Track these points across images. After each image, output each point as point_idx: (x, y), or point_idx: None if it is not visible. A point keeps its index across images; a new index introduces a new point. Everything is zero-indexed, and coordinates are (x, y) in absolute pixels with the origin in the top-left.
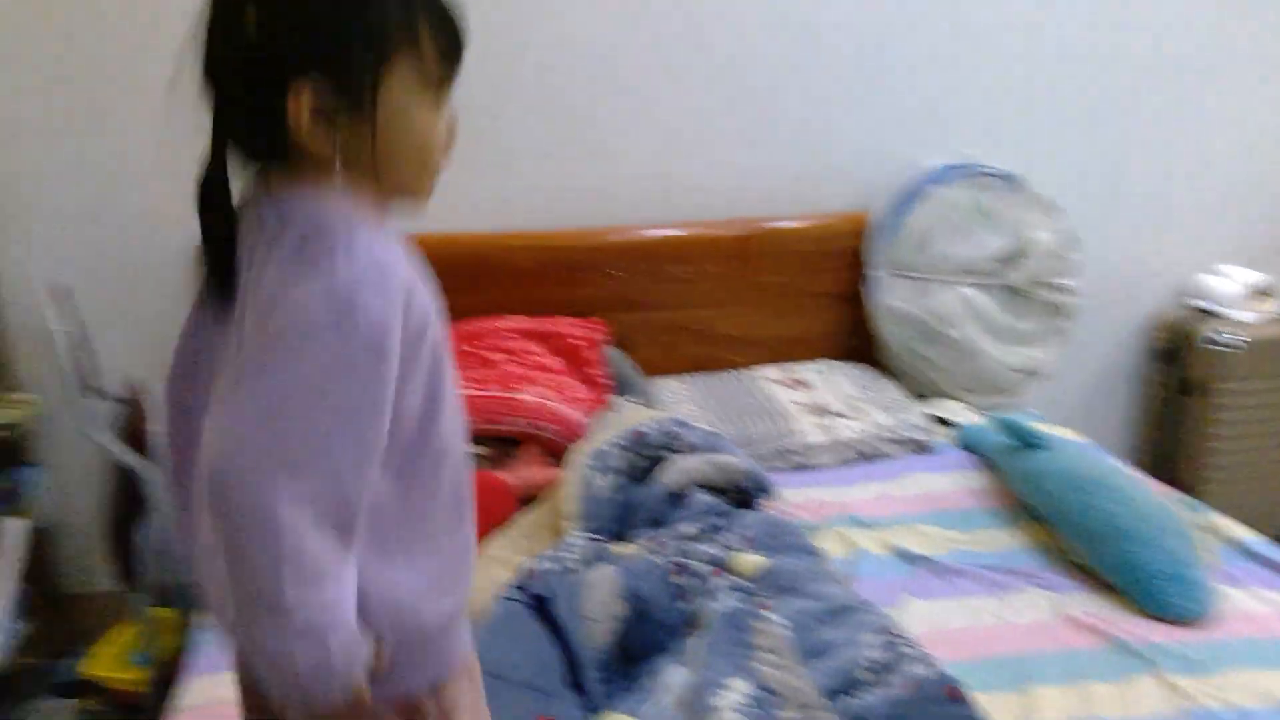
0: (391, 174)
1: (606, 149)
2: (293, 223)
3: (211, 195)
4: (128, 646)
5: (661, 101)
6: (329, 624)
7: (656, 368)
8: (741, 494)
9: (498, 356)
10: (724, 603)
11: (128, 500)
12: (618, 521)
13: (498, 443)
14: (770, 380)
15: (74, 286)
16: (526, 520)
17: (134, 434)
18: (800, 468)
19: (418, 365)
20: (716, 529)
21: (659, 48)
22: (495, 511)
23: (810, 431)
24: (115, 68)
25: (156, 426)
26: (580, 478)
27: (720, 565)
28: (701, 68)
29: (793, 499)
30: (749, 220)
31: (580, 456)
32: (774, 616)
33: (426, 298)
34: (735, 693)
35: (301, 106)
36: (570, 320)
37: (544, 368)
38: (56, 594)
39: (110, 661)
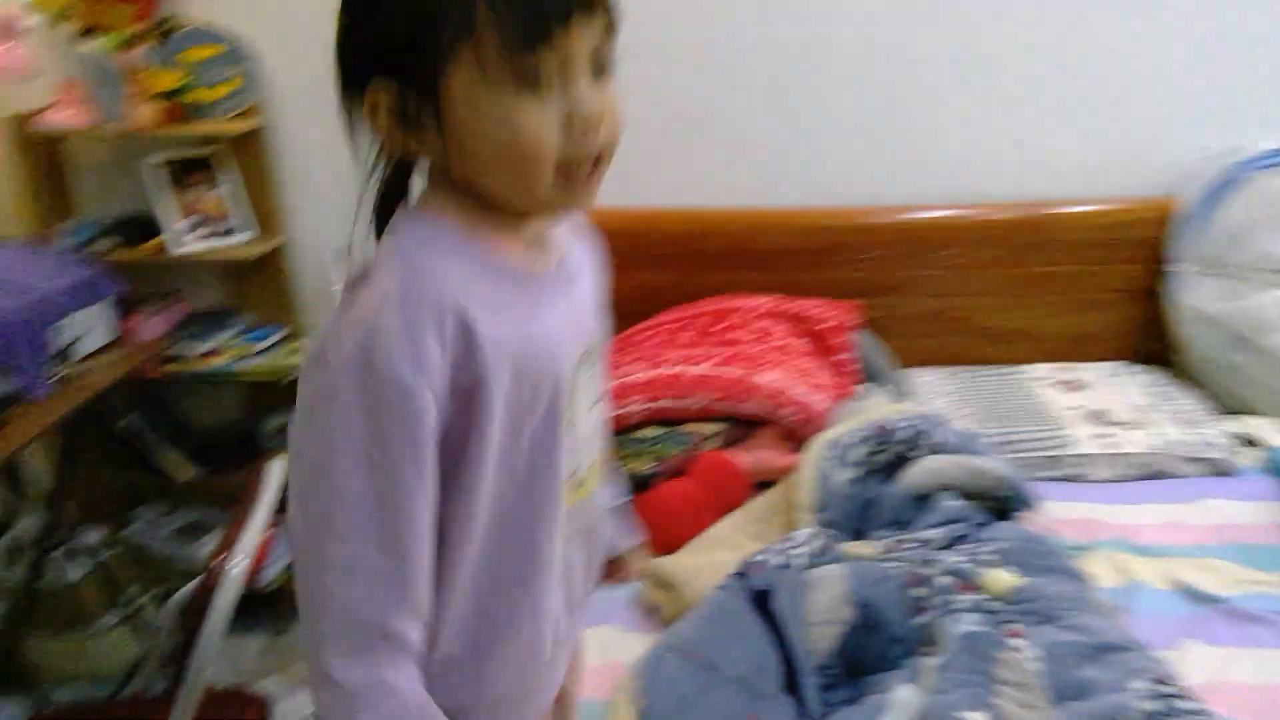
0: (486, 180)
1: (871, 123)
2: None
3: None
4: None
5: (935, 73)
6: (365, 705)
7: (913, 358)
8: (997, 503)
9: (741, 336)
10: (965, 623)
11: None
12: (855, 518)
13: (736, 424)
14: (1042, 381)
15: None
16: (758, 505)
17: None
18: (1070, 480)
19: (468, 403)
20: (964, 538)
21: (931, 14)
22: (727, 494)
23: (1085, 441)
24: None
25: None
26: (817, 468)
27: (966, 580)
28: (980, 35)
29: (1058, 514)
30: (1030, 203)
31: (818, 445)
32: (1023, 645)
33: (485, 333)
34: None
35: (379, 110)
36: (821, 303)
37: (788, 350)
38: None
39: None
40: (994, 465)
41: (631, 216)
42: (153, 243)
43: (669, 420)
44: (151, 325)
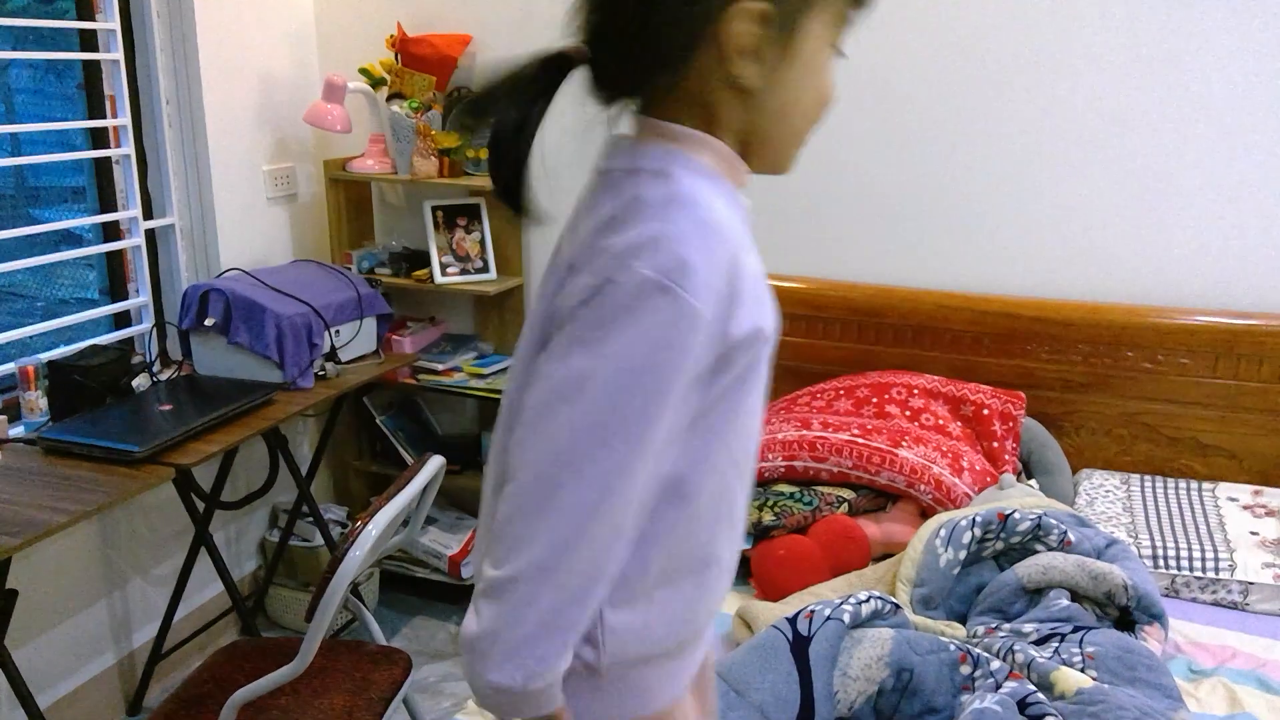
0: (770, 131)
1: (1076, 214)
2: (637, 168)
3: (513, 120)
4: None
5: (1156, 171)
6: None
7: (1095, 460)
8: (1119, 611)
9: (895, 410)
10: (988, 703)
11: None
12: (956, 598)
13: (876, 494)
14: (1233, 502)
15: None
16: (869, 572)
17: None
18: (1224, 606)
19: (726, 371)
20: (1062, 637)
21: (1166, 108)
22: (843, 557)
23: (1255, 570)
24: None
25: None
26: (924, 544)
27: (1027, 671)
28: (1212, 137)
29: (1191, 635)
30: (1249, 313)
31: (932, 524)
32: None
33: (762, 299)
34: None
35: (736, 33)
36: (986, 389)
37: (941, 430)
38: None
39: None
40: (1117, 572)
41: (822, 286)
42: (421, 273)
43: (805, 480)
44: (411, 341)
